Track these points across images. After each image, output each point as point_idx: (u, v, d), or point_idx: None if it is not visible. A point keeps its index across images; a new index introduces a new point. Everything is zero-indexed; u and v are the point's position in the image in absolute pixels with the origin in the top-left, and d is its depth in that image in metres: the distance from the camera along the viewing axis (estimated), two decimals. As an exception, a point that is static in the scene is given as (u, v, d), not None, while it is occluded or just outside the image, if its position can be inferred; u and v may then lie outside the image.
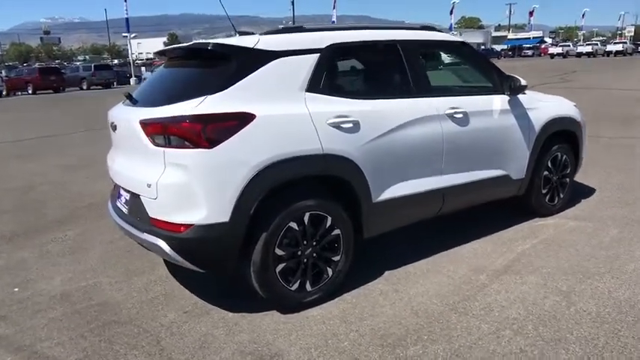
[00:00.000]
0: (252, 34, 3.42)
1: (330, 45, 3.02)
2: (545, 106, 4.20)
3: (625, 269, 3.28)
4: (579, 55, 54.43)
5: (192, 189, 2.54)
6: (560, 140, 4.33)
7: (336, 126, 2.89)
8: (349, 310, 2.91)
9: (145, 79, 26.66)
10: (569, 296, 2.96)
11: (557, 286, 3.10)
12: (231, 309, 2.98)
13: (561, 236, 3.94)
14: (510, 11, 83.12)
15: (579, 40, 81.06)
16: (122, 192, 3.14)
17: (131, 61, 35.77)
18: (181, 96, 2.70)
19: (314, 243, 2.91)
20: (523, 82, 3.78)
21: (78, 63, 52.83)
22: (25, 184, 6.57)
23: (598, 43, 57.25)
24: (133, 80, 33.74)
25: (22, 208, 5.45)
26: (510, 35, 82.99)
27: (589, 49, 54.98)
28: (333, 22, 53.79)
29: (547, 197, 4.35)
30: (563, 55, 55.13)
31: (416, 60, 3.42)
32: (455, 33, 65.66)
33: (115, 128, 3.05)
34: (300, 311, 2.91)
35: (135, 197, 2.85)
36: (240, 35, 3.35)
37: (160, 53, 3.41)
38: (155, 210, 2.66)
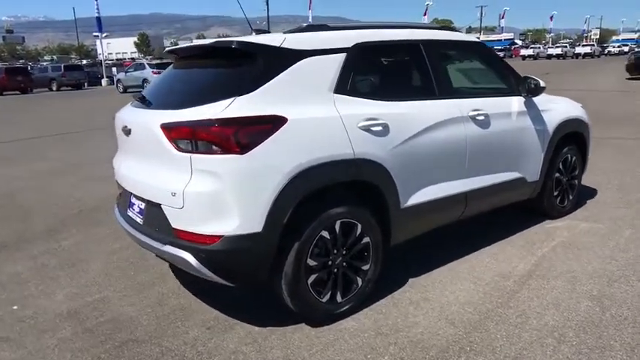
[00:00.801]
0: (268, 32, 3.27)
1: (356, 44, 2.90)
2: (556, 107, 4.19)
3: (649, 272, 3.26)
4: (550, 57, 55.93)
5: (222, 197, 2.37)
6: (570, 142, 4.32)
7: (366, 129, 2.77)
8: (382, 321, 2.79)
9: (119, 80, 25.98)
10: (602, 301, 2.92)
11: (587, 290, 3.06)
12: (257, 323, 2.82)
13: (577, 238, 3.91)
14: (482, 13, 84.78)
15: (547, 42, 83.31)
16: (134, 201, 2.94)
17: (102, 62, 34.75)
18: (204, 98, 2.53)
19: (344, 252, 2.78)
20: (542, 83, 3.74)
21: (45, 63, 51.06)
22: (6, 190, 6.20)
23: (567, 45, 58.96)
24: (104, 81, 32.81)
25: (7, 216, 5.12)
26: (482, 37, 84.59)
27: (559, 51, 56.55)
28: (310, 21, 53.63)
29: (558, 199, 4.34)
30: (534, 57, 56.59)
31: (438, 60, 3.33)
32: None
33: (128, 132, 2.84)
34: (331, 324, 2.77)
35: (153, 207, 2.66)
36: (257, 34, 3.19)
37: (171, 52, 3.21)
38: (180, 220, 2.47)
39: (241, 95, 2.47)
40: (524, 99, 3.83)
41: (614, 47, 61.49)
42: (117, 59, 70.37)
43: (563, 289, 3.07)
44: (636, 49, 21.96)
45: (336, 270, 2.76)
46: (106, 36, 37.67)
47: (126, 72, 26.05)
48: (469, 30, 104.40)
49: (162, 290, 3.30)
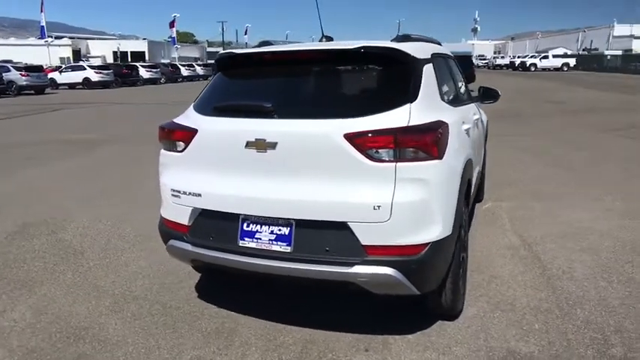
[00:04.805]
0: (332, 39, 3.20)
1: (433, 54, 3.15)
2: (481, 111, 5.20)
3: (587, 227, 4.45)
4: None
5: (430, 203, 2.34)
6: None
7: (465, 131, 3.07)
8: (491, 302, 3.11)
9: None
10: (594, 250, 3.89)
11: (573, 245, 4.00)
12: (399, 331, 2.78)
13: (514, 213, 4.94)
14: (223, 28, 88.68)
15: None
16: (258, 227, 2.49)
17: None
18: (374, 105, 2.43)
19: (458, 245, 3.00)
20: (500, 91, 4.64)
21: None
22: None
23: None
24: None
25: None
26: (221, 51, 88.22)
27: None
28: (43, 26, 46.71)
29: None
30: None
31: (455, 71, 3.84)
32: (178, 47, 65.65)
33: (269, 146, 2.37)
34: (460, 314, 2.95)
35: (318, 227, 2.36)
36: (326, 40, 3.08)
37: (283, 54, 2.75)
38: (379, 235, 2.29)
39: (411, 102, 2.46)
40: (478, 104, 4.67)
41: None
42: None
43: (561, 248, 3.96)
44: None
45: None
46: None
47: None
48: (210, 44, 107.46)
49: (254, 332, 2.83)
